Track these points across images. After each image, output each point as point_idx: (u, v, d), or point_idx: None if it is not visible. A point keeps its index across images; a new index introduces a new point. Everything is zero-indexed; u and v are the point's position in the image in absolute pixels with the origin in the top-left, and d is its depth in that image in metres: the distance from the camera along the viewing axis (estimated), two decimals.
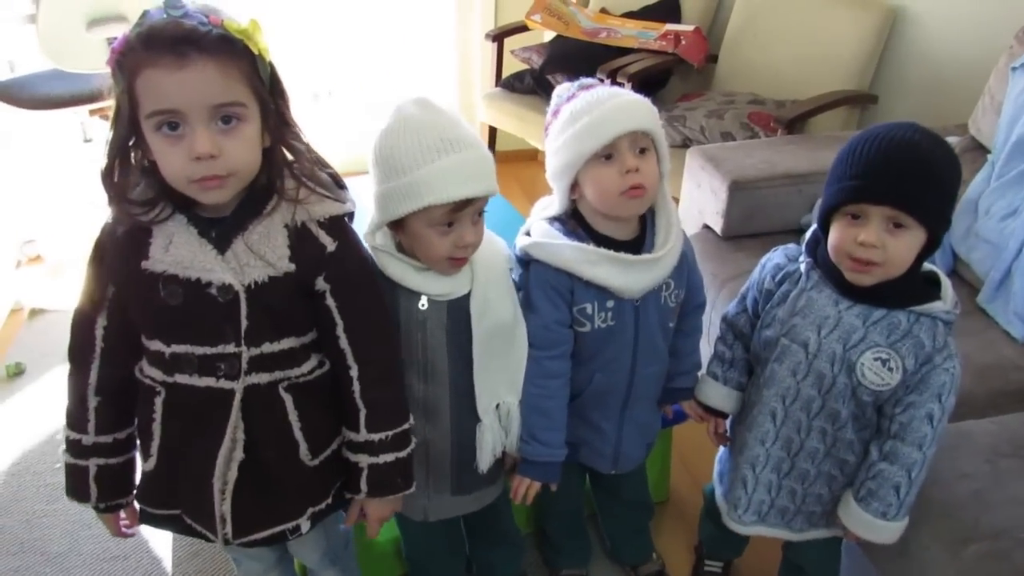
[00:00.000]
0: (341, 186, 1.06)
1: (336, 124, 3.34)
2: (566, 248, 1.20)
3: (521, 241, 1.25)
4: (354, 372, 1.06)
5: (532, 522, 1.72)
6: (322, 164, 1.04)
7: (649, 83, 2.81)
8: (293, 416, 1.05)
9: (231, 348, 0.98)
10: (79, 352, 1.04)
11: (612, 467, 1.40)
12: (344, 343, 1.05)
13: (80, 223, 2.77)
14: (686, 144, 2.46)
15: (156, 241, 0.95)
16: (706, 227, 2.09)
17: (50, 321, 2.50)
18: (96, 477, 1.08)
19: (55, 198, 2.93)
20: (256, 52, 0.91)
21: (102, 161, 0.94)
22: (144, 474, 1.10)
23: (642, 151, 1.16)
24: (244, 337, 0.98)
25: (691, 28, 2.75)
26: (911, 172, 1.05)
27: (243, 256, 0.96)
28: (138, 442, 1.10)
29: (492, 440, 1.24)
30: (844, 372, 1.14)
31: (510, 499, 1.32)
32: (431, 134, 1.06)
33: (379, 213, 1.12)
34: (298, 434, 1.06)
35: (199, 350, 0.99)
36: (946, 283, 1.16)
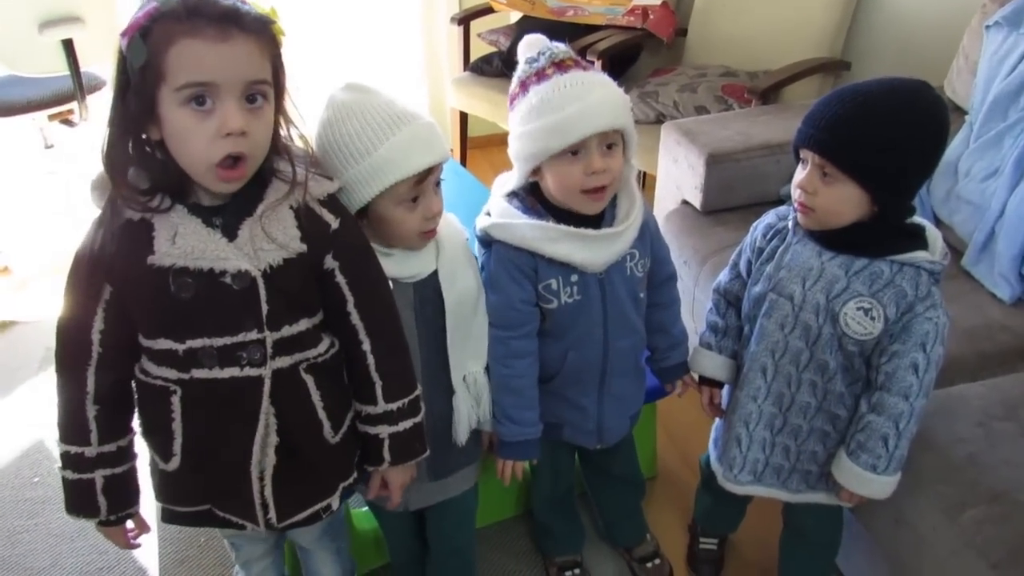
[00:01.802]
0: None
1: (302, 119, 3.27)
2: (525, 226, 1.19)
3: (481, 222, 1.24)
4: (367, 346, 1.07)
5: (522, 505, 1.70)
6: (310, 150, 1.05)
7: (620, 60, 2.78)
8: (316, 396, 1.05)
9: (253, 335, 0.97)
10: (71, 360, 1.00)
11: (597, 442, 1.39)
12: (356, 319, 1.05)
13: (46, 233, 2.71)
14: (660, 120, 2.43)
15: (160, 234, 0.92)
16: (685, 203, 2.06)
17: (19, 334, 2.43)
18: (104, 489, 1.04)
19: (18, 208, 2.85)
20: (276, 36, 0.91)
21: (103, 142, 0.91)
22: (166, 475, 1.07)
23: (610, 146, 1.15)
24: (266, 322, 0.97)
25: (658, 2, 2.72)
26: (839, 123, 1.07)
27: (256, 240, 0.95)
28: (148, 445, 1.08)
29: (466, 410, 1.24)
30: (829, 322, 1.15)
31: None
32: (377, 114, 1.06)
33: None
34: (321, 414, 1.06)
35: (218, 341, 0.96)
36: (934, 234, 1.16)
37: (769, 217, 1.27)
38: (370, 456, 1.13)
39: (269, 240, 0.95)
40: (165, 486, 1.09)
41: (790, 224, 1.21)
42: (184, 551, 1.68)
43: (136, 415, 1.06)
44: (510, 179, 1.24)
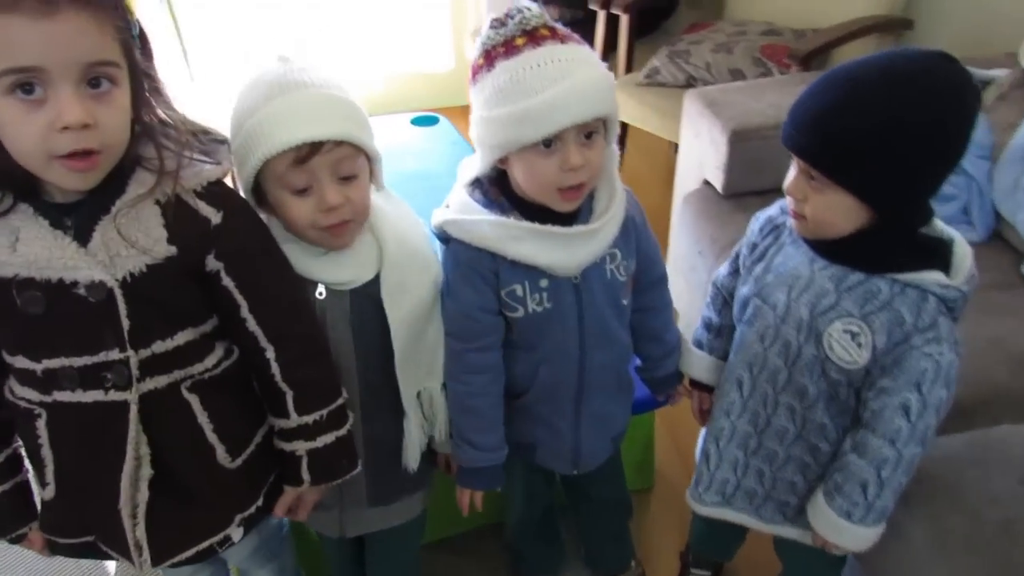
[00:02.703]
0: (221, 143, 0.92)
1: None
2: (484, 224, 1.01)
3: (437, 216, 1.06)
4: (271, 354, 0.94)
5: (495, 515, 1.54)
6: (196, 131, 0.90)
7: (653, 12, 2.52)
8: (203, 418, 0.93)
9: (115, 354, 0.85)
10: None
11: (572, 468, 1.23)
12: (253, 324, 0.92)
13: None
14: (690, 84, 2.19)
15: None
16: (706, 183, 1.83)
17: None
18: None
19: None
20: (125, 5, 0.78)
21: None
22: (44, 503, 0.96)
23: (589, 135, 0.96)
24: (128, 340, 0.85)
25: None
26: (821, 119, 0.90)
27: (111, 245, 0.82)
28: (30, 469, 0.98)
29: (419, 435, 1.10)
30: (812, 342, 0.99)
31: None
32: (263, 82, 0.92)
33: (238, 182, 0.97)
34: (212, 437, 0.94)
35: (77, 361, 0.85)
36: (962, 252, 0.96)
37: (772, 209, 1.09)
38: (288, 475, 1.01)
39: (128, 244, 0.82)
40: (45, 515, 0.98)
41: (788, 222, 1.03)
42: None
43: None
44: (473, 164, 1.05)
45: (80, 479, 0.92)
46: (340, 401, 0.99)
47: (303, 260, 0.98)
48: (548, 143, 0.94)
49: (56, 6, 0.71)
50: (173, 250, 0.84)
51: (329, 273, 0.99)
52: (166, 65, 3.00)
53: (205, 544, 0.98)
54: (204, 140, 0.91)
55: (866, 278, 0.95)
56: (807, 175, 0.93)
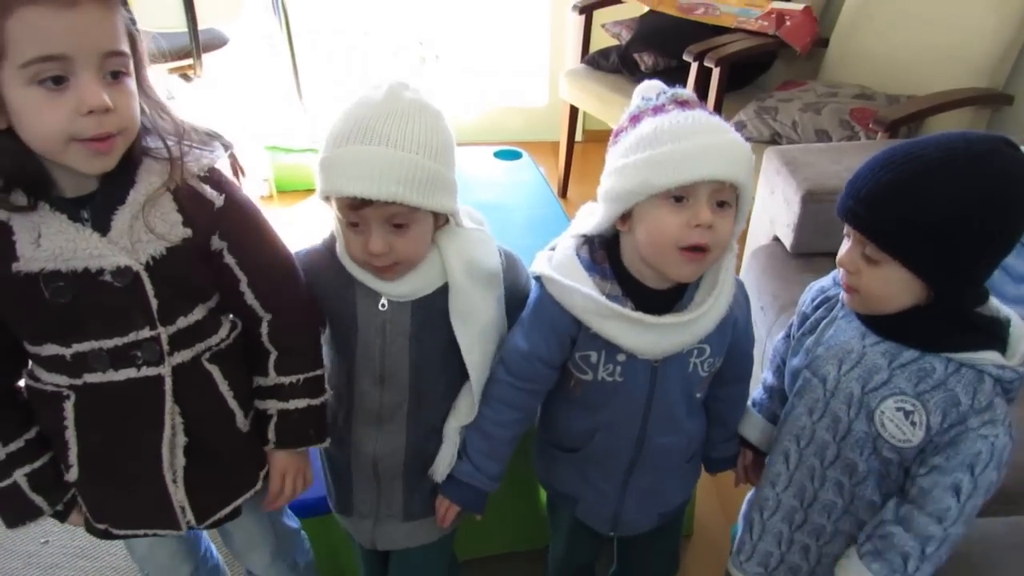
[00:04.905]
0: (212, 136, 0.97)
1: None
2: (577, 294, 1.00)
3: (538, 263, 1.06)
4: (265, 319, 1.01)
5: (527, 541, 1.54)
6: (187, 124, 0.94)
7: (748, 66, 2.54)
8: (224, 386, 0.99)
9: (146, 333, 0.90)
10: None
11: (611, 529, 1.22)
12: (251, 298, 0.99)
13: None
14: (774, 140, 2.19)
15: (21, 237, 0.83)
16: (776, 240, 1.83)
17: None
18: (34, 487, 0.98)
19: None
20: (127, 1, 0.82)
21: None
22: (68, 486, 1.01)
23: (721, 204, 0.94)
24: (158, 317, 0.91)
25: (800, 7, 2.44)
26: (880, 194, 0.89)
27: (132, 232, 0.87)
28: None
29: (452, 445, 1.12)
30: (863, 418, 0.98)
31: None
32: (354, 118, 0.95)
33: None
34: (232, 403, 1.01)
35: (108, 343, 0.90)
36: (1017, 332, 0.94)
37: (825, 280, 1.08)
38: (261, 436, 1.05)
39: (148, 229, 0.87)
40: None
41: (840, 295, 1.02)
42: None
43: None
44: (592, 217, 1.04)
45: (108, 456, 0.96)
46: (319, 372, 1.05)
47: (365, 273, 1.02)
48: (679, 198, 0.93)
49: None
50: (188, 232, 0.89)
51: (391, 286, 1.03)
52: (283, 97, 3.17)
53: (239, 500, 1.06)
54: (199, 132, 0.95)
55: (920, 356, 0.94)
56: (861, 247, 0.93)
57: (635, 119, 0.97)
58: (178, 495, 0.99)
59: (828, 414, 1.01)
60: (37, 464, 0.98)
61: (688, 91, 0.98)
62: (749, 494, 1.24)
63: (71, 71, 0.77)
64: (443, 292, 1.04)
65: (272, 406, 1.03)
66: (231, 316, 1.02)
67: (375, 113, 0.94)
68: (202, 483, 1.01)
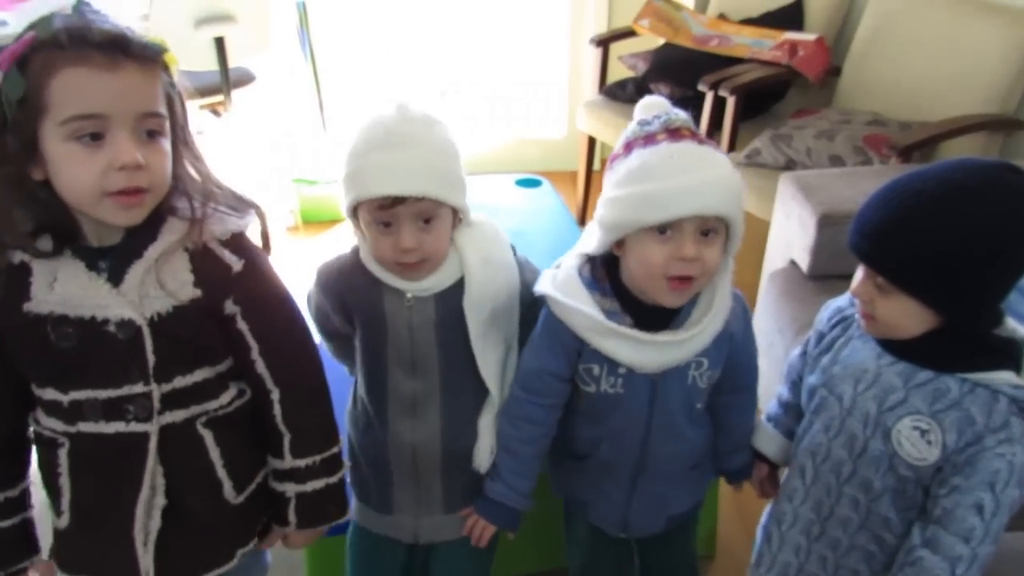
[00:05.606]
0: (246, 203, 0.99)
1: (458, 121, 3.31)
2: (577, 314, 1.06)
3: (542, 283, 1.12)
4: (275, 396, 1.00)
5: (555, 559, 1.57)
6: (220, 185, 0.97)
7: (763, 95, 2.59)
8: (215, 454, 0.98)
9: (139, 388, 0.91)
10: None
11: (621, 531, 1.26)
12: (262, 367, 0.99)
13: None
14: (789, 167, 2.23)
15: (38, 279, 0.86)
16: (793, 263, 1.87)
17: None
18: None
19: None
20: (169, 65, 0.87)
21: None
22: (58, 532, 1.01)
23: (707, 233, 1.00)
24: (153, 374, 0.91)
25: (812, 38, 2.50)
26: (886, 229, 0.92)
27: (142, 287, 0.89)
28: (47, 499, 1.02)
29: (491, 432, 1.17)
30: (879, 437, 1.00)
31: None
32: (376, 130, 1.03)
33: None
34: (221, 472, 0.99)
35: (102, 394, 0.91)
36: None
37: (842, 299, 1.11)
38: (277, 515, 1.06)
39: (159, 287, 0.89)
40: (58, 546, 1.02)
41: (857, 315, 1.04)
42: None
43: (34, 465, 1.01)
44: (592, 240, 1.10)
45: (95, 508, 0.96)
46: (335, 449, 1.05)
47: (389, 273, 1.09)
48: (664, 230, 0.98)
49: (118, 61, 0.79)
50: (198, 293, 0.91)
51: (413, 284, 1.09)
52: (309, 130, 3.26)
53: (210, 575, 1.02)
54: (231, 196, 0.97)
55: (935, 376, 0.96)
56: (873, 278, 0.96)
57: (628, 147, 1.03)
58: (145, 559, 0.97)
59: (844, 432, 1.03)
60: (3, 525, 0.98)
61: (683, 117, 1.03)
62: (768, 507, 1.26)
63: (108, 128, 0.81)
64: (462, 286, 1.11)
65: (290, 489, 1.03)
66: (241, 384, 1.02)
67: (392, 124, 1.03)
68: (174, 550, 0.98)
